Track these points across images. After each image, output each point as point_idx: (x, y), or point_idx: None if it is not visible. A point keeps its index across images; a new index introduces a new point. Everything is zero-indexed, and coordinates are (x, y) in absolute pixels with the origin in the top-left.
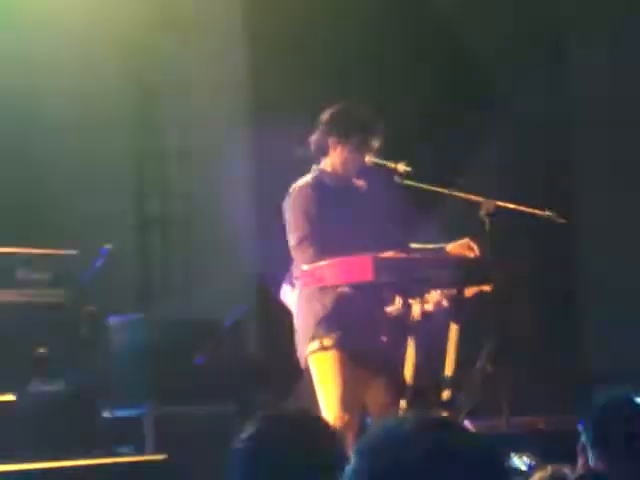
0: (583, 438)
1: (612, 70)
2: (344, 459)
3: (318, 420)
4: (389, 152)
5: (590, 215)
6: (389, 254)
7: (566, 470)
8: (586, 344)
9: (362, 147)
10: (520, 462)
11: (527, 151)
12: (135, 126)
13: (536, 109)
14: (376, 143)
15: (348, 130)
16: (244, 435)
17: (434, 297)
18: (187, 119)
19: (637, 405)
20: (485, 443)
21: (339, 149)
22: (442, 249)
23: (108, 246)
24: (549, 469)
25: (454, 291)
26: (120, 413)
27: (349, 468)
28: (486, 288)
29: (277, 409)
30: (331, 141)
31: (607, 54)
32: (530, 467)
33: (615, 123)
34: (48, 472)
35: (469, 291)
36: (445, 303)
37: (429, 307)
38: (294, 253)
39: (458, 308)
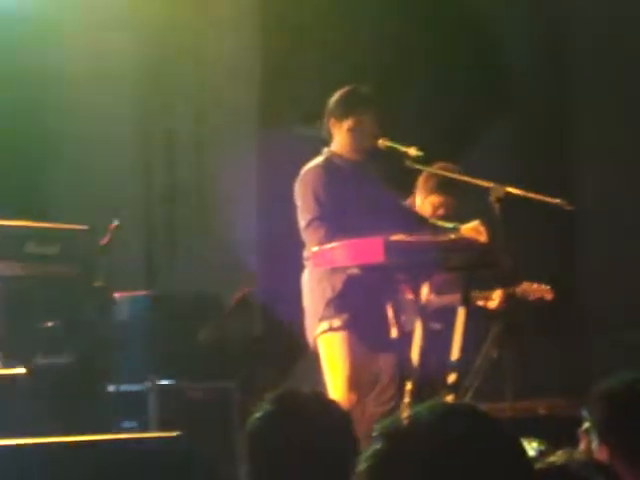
0: (587, 423)
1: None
2: (355, 441)
3: (332, 402)
4: (397, 136)
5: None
6: (400, 236)
7: (578, 455)
8: (587, 327)
9: (358, 126)
10: (529, 448)
11: (528, 138)
12: (144, 104)
13: (537, 93)
14: (373, 124)
15: (342, 111)
16: (260, 413)
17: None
18: (197, 97)
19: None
20: (510, 431)
21: (338, 130)
22: (457, 229)
23: (116, 222)
24: (560, 454)
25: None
26: (125, 388)
27: (370, 451)
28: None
29: (289, 389)
30: (331, 123)
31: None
32: (540, 453)
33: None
34: (58, 446)
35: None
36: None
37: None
38: (305, 234)
39: (466, 292)
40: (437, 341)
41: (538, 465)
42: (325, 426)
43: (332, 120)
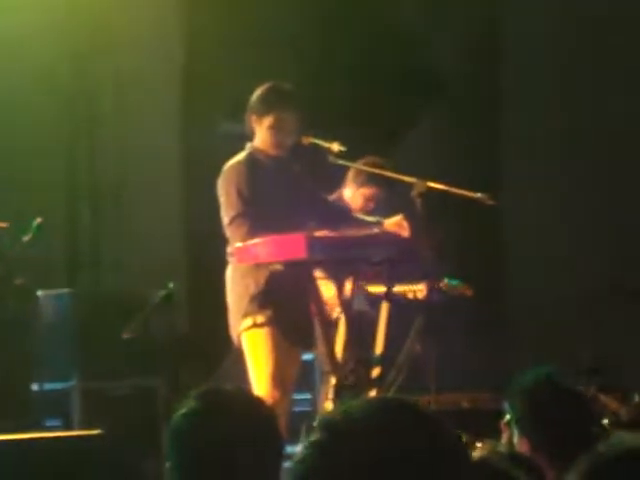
0: (508, 415)
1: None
2: (280, 438)
3: (256, 399)
4: (321, 133)
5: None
6: (323, 232)
7: (499, 448)
8: (514, 324)
9: (279, 124)
10: None
11: (456, 132)
12: (67, 96)
13: (468, 91)
14: (294, 121)
15: (263, 108)
16: (184, 410)
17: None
18: (120, 88)
19: (560, 385)
20: (446, 423)
21: (260, 127)
22: (381, 223)
23: (39, 219)
24: (482, 447)
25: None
26: (48, 386)
27: (309, 442)
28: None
29: (213, 386)
30: (252, 120)
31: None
32: None
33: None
34: None
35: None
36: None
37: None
38: (228, 231)
39: (388, 287)
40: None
41: None
42: (249, 423)
43: (253, 117)
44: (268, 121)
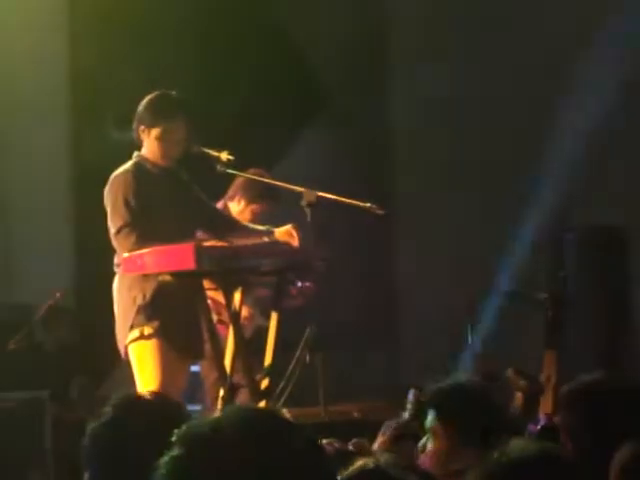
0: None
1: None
2: None
3: (176, 403)
4: (212, 142)
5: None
6: (212, 243)
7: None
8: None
9: (167, 135)
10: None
11: (349, 145)
12: None
13: (356, 108)
14: (182, 130)
15: (151, 119)
16: (102, 420)
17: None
18: (3, 101)
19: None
20: (307, 432)
21: (148, 137)
22: (271, 232)
23: None
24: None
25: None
26: None
27: (168, 457)
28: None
29: (128, 394)
30: (141, 129)
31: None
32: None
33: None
34: None
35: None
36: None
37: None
38: (115, 241)
39: (278, 297)
40: None
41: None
42: (161, 419)
43: (141, 127)
44: (156, 132)
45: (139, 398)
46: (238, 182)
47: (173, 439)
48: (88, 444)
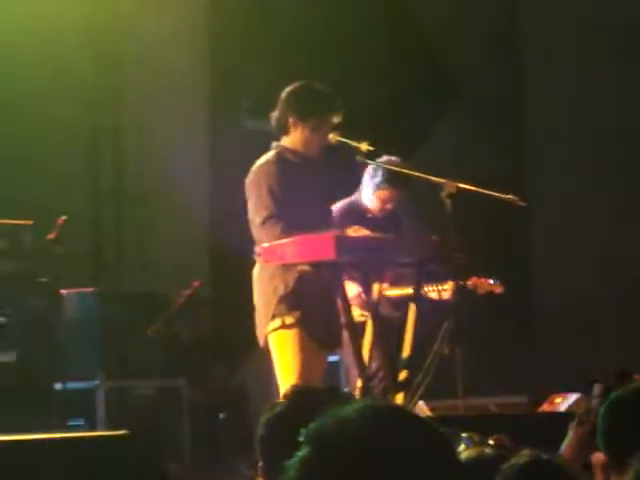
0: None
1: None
2: None
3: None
4: (348, 132)
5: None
6: (352, 233)
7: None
8: (539, 326)
9: (322, 126)
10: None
11: (479, 134)
12: (91, 99)
13: (488, 92)
14: (335, 122)
15: (308, 110)
16: (276, 410)
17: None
18: (143, 92)
19: None
20: (436, 430)
21: (300, 128)
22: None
23: (63, 217)
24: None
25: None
26: (72, 386)
27: (297, 458)
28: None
29: (301, 386)
30: (292, 120)
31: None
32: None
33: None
34: (1, 444)
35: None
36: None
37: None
38: (259, 231)
39: (416, 289)
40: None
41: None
42: None
43: (292, 118)
44: (311, 124)
45: (312, 389)
46: (367, 170)
47: (301, 438)
48: (263, 434)
